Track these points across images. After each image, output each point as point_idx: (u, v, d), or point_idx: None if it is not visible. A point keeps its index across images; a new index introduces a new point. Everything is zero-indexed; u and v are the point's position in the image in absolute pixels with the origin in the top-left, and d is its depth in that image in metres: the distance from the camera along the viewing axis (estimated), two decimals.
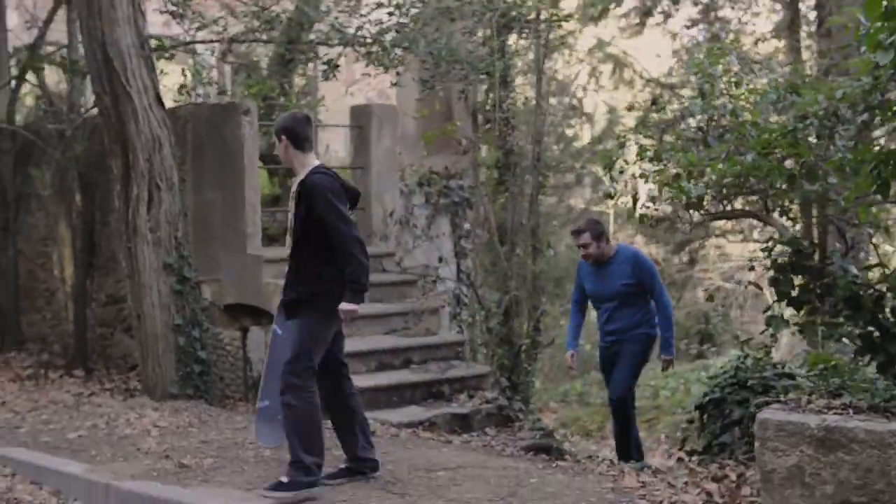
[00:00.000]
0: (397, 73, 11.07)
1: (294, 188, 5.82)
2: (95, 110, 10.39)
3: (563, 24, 12.95)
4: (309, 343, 5.71)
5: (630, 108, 16.58)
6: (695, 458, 7.08)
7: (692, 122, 8.09)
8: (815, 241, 6.84)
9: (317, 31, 11.18)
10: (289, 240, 5.93)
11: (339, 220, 5.58)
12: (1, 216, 11.48)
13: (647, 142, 8.23)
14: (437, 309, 9.45)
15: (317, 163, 5.83)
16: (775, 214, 7.05)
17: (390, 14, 10.64)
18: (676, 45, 17.46)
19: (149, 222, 8.44)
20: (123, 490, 6.24)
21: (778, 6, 16.03)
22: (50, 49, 12.14)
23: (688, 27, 16.63)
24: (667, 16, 16.49)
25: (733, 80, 7.61)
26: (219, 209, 9.19)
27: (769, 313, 6.30)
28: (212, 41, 10.90)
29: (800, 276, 6.09)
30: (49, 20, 11.76)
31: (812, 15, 15.34)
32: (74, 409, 8.67)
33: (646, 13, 16.48)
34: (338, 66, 10.58)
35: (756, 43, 15.70)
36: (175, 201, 8.58)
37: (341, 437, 6.09)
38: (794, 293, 6.10)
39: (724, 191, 6.96)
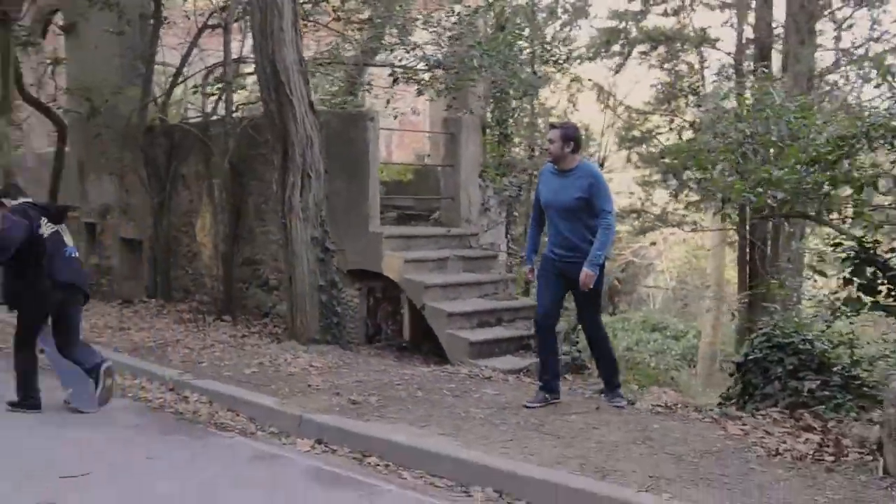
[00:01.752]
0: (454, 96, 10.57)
1: None
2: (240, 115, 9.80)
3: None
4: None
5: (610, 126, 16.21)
6: (731, 404, 6.68)
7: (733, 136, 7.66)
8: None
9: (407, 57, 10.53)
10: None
11: None
12: (158, 194, 10.76)
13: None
14: (515, 278, 8.94)
15: None
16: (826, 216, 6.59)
17: (471, 46, 10.04)
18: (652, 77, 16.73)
19: (301, 204, 7.83)
20: (317, 422, 5.66)
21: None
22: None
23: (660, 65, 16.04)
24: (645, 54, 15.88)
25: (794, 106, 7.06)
26: (344, 195, 8.59)
27: (845, 295, 5.85)
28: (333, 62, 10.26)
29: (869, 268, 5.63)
30: (194, 43, 10.97)
31: None
32: (238, 348, 8.05)
33: (628, 55, 15.92)
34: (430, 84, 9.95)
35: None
36: (321, 188, 7.98)
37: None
38: (866, 281, 5.64)
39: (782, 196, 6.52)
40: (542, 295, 5.94)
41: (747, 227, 14.24)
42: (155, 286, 10.94)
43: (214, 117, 10.18)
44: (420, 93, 10.14)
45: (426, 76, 12.05)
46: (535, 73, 12.07)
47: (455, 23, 10.73)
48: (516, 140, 15.17)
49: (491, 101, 14.20)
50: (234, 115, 9.72)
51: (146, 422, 6.04)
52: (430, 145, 13.19)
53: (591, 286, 5.63)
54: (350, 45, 10.94)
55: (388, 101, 11.40)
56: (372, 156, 8.42)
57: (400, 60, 10.26)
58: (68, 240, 6.36)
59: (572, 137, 5.67)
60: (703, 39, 14.74)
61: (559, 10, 14.79)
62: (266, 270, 9.65)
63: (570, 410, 5.85)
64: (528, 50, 11.77)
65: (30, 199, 6.38)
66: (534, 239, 6.16)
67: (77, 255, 6.48)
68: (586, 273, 5.55)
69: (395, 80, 10.00)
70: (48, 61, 13.91)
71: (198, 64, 11.37)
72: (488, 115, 13.28)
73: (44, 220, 6.13)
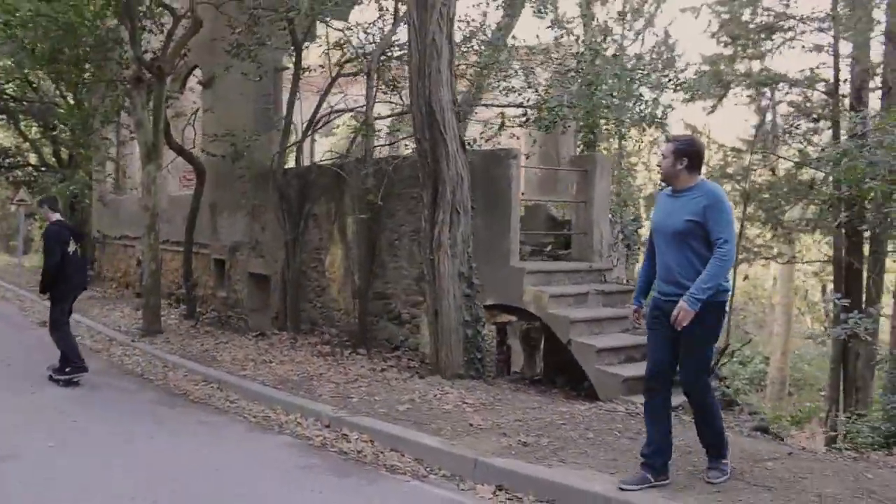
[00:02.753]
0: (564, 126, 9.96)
1: None
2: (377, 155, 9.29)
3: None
4: None
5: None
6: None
7: None
8: None
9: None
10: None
11: None
12: (292, 231, 10.27)
13: None
14: None
15: None
16: None
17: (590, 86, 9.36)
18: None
19: (450, 240, 7.17)
20: (496, 467, 4.90)
21: None
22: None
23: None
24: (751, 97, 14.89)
25: None
26: (484, 231, 7.90)
27: None
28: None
29: None
30: (328, 91, 10.55)
31: None
32: (383, 382, 7.38)
33: (722, 96, 14.99)
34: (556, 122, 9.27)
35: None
36: (468, 225, 7.32)
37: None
38: None
39: None
40: (651, 350, 4.58)
41: (843, 252, 13.14)
42: (285, 319, 10.41)
43: (349, 159, 9.70)
44: (547, 130, 9.43)
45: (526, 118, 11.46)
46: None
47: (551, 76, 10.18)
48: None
49: (580, 143, 13.53)
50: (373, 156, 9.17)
51: (314, 462, 5.38)
52: (537, 182, 12.47)
53: (685, 325, 4.23)
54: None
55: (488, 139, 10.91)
56: (514, 193, 7.75)
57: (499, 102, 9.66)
58: (78, 251, 8.02)
59: (686, 153, 4.41)
60: (813, 81, 13.75)
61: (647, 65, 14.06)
62: (398, 304, 9.02)
63: (760, 456, 4.98)
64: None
65: (62, 219, 8.25)
66: (645, 275, 4.81)
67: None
68: (682, 308, 4.20)
69: (502, 125, 9.40)
70: (189, 113, 13.76)
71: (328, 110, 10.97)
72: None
73: (71, 240, 7.87)
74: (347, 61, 10.35)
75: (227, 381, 7.82)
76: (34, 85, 19.44)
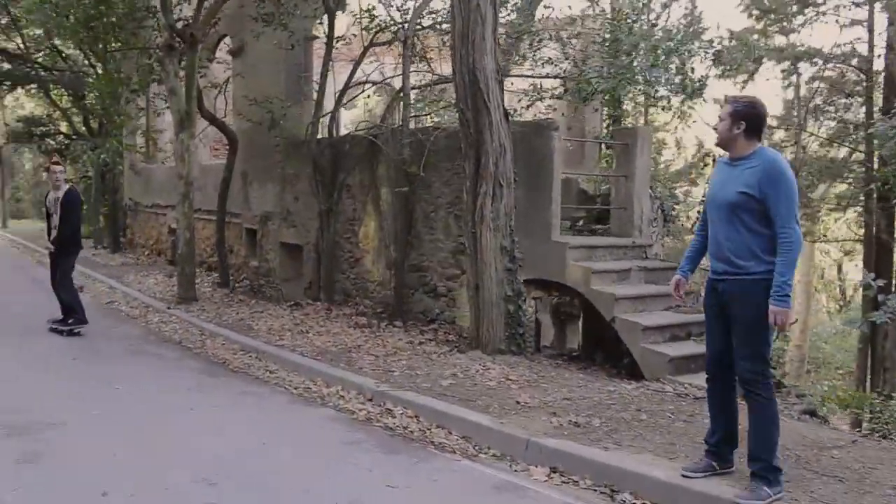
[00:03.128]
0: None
1: None
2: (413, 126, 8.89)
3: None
4: None
5: None
6: None
7: None
8: None
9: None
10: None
11: None
12: (326, 202, 9.97)
13: None
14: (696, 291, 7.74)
15: None
16: None
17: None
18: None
19: (492, 213, 6.83)
20: (549, 447, 4.63)
21: None
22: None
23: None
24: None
25: None
26: (524, 204, 7.55)
27: None
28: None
29: None
30: (360, 61, 10.16)
31: None
32: (424, 356, 7.12)
33: (753, 72, 14.43)
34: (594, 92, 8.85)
35: None
36: (511, 197, 6.96)
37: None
38: None
39: None
40: (708, 333, 4.17)
41: (874, 230, 12.67)
42: (318, 289, 10.16)
43: (383, 130, 9.33)
44: (585, 100, 9.01)
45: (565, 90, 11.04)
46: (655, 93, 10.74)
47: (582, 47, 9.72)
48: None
49: (605, 118, 13.06)
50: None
51: (360, 437, 5.13)
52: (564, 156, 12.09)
53: (780, 323, 3.70)
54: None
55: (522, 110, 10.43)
56: (556, 165, 7.37)
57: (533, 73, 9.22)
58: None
59: (745, 116, 3.82)
60: (850, 56, 13.16)
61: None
62: (434, 277, 8.72)
63: (824, 444, 4.67)
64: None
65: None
66: (694, 246, 4.29)
67: None
68: (774, 311, 3.66)
69: (539, 97, 8.98)
70: (220, 83, 13.41)
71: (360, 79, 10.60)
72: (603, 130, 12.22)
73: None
74: (380, 30, 9.94)
75: (266, 350, 7.59)
76: (63, 54, 19.12)
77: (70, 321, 8.40)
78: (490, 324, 6.91)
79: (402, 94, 8.77)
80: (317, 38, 11.52)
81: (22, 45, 20.24)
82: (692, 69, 10.07)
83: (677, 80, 9.29)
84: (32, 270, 14.95)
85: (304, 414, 5.74)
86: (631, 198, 8.03)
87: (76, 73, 18.46)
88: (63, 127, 26.25)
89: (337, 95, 10.18)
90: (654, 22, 14.59)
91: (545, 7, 11.90)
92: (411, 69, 9.53)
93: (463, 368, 6.53)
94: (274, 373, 7.00)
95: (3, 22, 20.29)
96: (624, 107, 12.52)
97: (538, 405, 5.49)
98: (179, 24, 10.52)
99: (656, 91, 10.26)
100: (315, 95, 10.42)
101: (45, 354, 7.50)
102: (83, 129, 22.25)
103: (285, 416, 5.72)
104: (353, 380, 6.34)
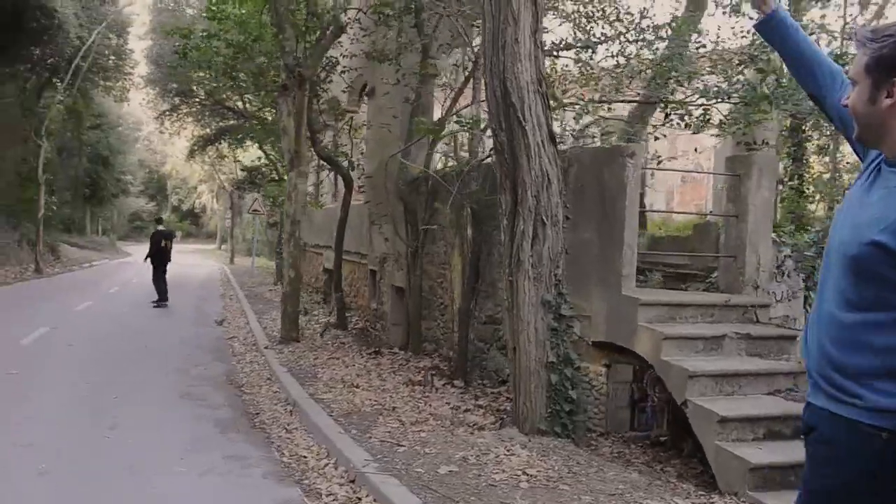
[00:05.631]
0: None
1: None
2: (489, 155, 7.52)
3: None
4: None
5: None
6: None
7: None
8: None
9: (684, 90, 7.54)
10: None
11: None
12: (413, 242, 8.92)
13: None
14: None
15: None
16: None
17: (761, 70, 6.82)
18: None
19: (531, 257, 5.27)
20: None
21: None
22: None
23: None
24: None
25: None
26: (595, 248, 5.89)
27: None
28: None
29: None
30: (461, 91, 9.04)
31: None
32: (454, 427, 5.69)
33: None
34: (709, 119, 6.87)
35: None
36: (558, 238, 5.35)
37: None
38: None
39: None
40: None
41: None
42: (407, 337, 9.05)
43: (461, 165, 8.10)
44: (696, 130, 7.05)
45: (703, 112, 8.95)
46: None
47: (744, 48, 7.60)
48: (816, 198, 11.23)
49: (786, 145, 10.57)
50: (479, 154, 7.49)
51: None
52: (713, 200, 9.90)
53: None
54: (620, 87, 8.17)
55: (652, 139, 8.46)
56: (629, 199, 5.62)
57: (673, 94, 7.31)
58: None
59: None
60: None
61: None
62: (507, 331, 7.20)
63: None
64: None
65: (161, 228, 15.54)
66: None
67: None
68: None
69: (667, 116, 7.02)
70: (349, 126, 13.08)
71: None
72: (780, 167, 9.76)
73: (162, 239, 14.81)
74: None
75: (301, 405, 6.58)
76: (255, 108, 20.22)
77: (154, 301, 14.73)
78: (528, 396, 5.29)
79: (471, 123, 7.44)
80: (434, 75, 10.63)
81: (241, 103, 21.76)
82: None
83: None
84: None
85: (263, 494, 4.59)
86: (742, 243, 5.99)
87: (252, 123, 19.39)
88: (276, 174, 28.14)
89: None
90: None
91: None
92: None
93: (482, 451, 4.99)
94: (290, 432, 5.96)
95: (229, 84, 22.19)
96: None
97: None
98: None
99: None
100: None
101: (95, 388, 7.15)
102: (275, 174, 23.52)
103: (243, 493, 4.61)
104: (350, 453, 5.07)
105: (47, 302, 14.99)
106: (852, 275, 1.76)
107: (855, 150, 2.03)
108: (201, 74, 14.20)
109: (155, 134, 43.70)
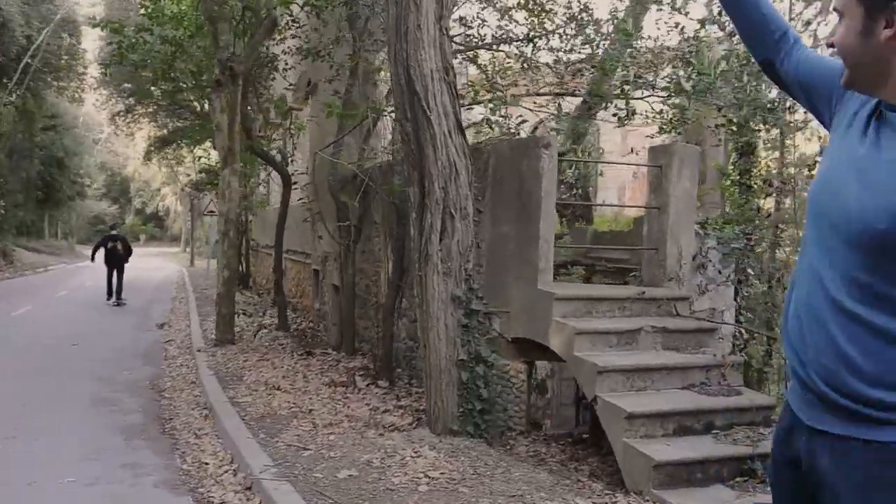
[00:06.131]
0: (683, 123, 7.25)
1: None
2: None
3: None
4: None
5: None
6: None
7: None
8: None
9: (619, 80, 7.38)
10: None
11: None
12: (344, 240, 8.65)
13: None
14: (741, 363, 5.34)
15: None
16: None
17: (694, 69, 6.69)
18: None
19: (440, 252, 5.06)
20: None
21: None
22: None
23: None
24: None
25: None
26: (512, 242, 5.70)
27: None
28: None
29: None
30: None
31: None
32: (365, 430, 5.44)
33: None
34: (635, 112, 6.73)
35: None
36: (468, 232, 5.15)
37: None
38: None
39: None
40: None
41: None
42: (341, 337, 8.79)
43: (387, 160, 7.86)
44: (621, 123, 6.89)
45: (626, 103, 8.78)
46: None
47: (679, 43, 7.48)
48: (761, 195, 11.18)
49: (730, 139, 10.49)
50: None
51: None
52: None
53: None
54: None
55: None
56: (545, 191, 5.43)
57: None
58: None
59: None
60: None
61: None
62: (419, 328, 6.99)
63: None
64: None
65: (113, 232, 15.91)
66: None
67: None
68: None
69: (590, 109, 6.87)
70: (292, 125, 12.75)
71: None
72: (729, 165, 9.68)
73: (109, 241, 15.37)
74: None
75: (217, 409, 6.28)
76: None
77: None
78: (439, 395, 5.08)
79: (377, 108, 7.20)
80: (376, 70, 10.36)
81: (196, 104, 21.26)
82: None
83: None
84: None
85: None
86: (664, 236, 5.85)
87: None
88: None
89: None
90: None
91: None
92: None
93: (388, 453, 4.76)
94: (199, 438, 5.68)
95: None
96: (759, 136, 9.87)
97: None
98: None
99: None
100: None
101: (2, 397, 6.77)
102: None
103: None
104: (252, 459, 4.80)
105: None
106: (877, 254, 1.35)
107: (815, 112, 1.69)
108: (145, 74, 13.73)
109: (115, 136, 42.89)
